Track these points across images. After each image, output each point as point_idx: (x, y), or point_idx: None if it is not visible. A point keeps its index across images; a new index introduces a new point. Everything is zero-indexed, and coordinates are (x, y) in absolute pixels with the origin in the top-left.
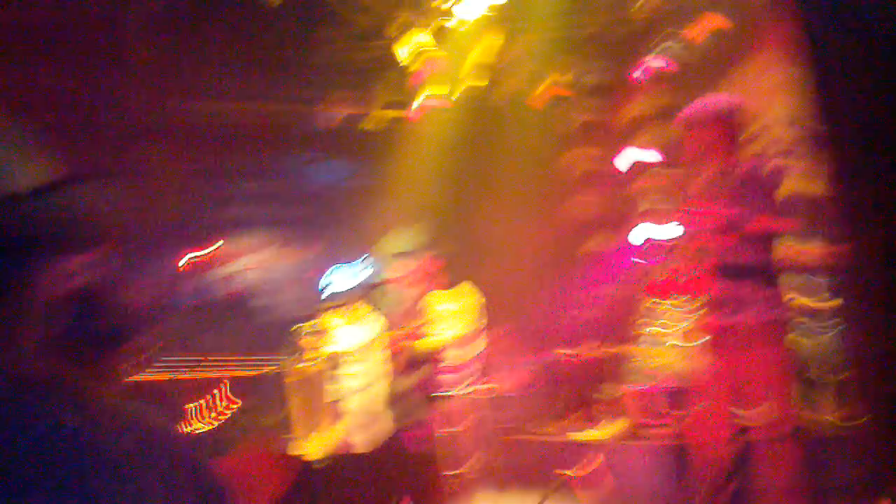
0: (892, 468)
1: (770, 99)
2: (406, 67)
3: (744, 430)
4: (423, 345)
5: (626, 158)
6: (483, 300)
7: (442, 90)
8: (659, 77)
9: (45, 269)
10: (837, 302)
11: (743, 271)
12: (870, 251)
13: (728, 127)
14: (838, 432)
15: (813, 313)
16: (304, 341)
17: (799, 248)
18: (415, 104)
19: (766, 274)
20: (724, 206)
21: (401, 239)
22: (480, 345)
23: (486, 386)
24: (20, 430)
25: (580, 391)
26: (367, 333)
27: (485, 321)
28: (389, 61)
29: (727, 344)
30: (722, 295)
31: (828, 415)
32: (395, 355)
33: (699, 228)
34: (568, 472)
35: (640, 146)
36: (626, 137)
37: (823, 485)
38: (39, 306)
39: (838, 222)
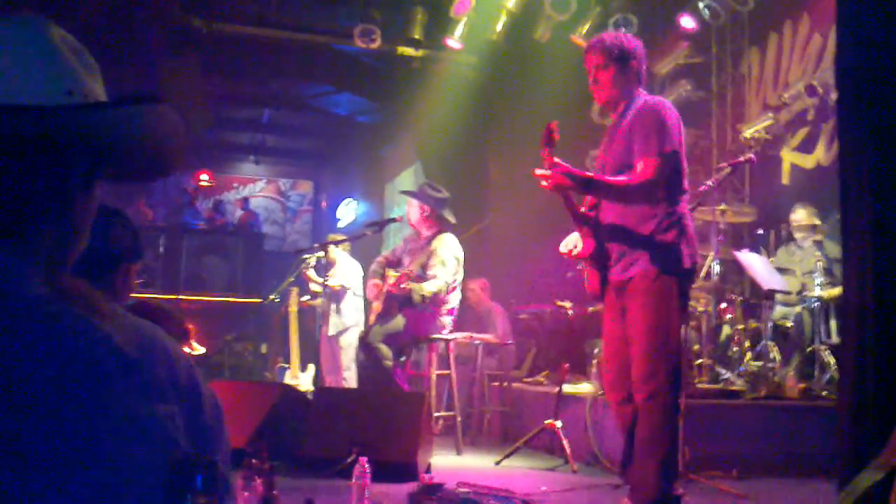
0: (851, 447)
1: (799, 65)
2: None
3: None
4: (422, 286)
5: None
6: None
7: (469, 29)
8: (689, 36)
9: (99, 185)
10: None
11: (605, 230)
12: (860, 227)
13: (616, 63)
14: (815, 402)
15: (802, 286)
16: (307, 273)
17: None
18: (449, 41)
19: (629, 233)
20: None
21: (410, 178)
22: (477, 292)
23: (480, 334)
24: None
25: (573, 344)
26: (369, 270)
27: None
28: None
29: (611, 305)
30: (593, 254)
31: (806, 383)
32: (393, 292)
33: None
34: (554, 423)
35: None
36: (650, 93)
37: (790, 450)
38: (91, 220)
39: (840, 196)
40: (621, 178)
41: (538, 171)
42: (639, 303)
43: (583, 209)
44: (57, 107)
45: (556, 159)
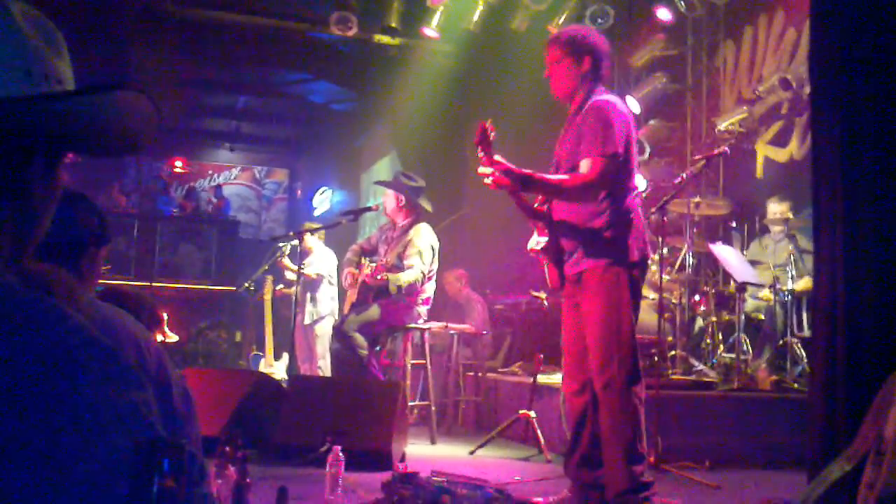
0: (822, 439)
1: (773, 59)
2: None
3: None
4: (398, 276)
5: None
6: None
7: (447, 19)
8: (665, 28)
9: (61, 168)
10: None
11: (560, 225)
12: (832, 221)
13: (569, 58)
14: (787, 394)
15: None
16: (282, 261)
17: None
18: (425, 30)
19: (582, 229)
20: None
21: (387, 167)
22: (455, 283)
23: (457, 324)
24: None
25: (548, 334)
26: (344, 259)
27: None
28: None
29: (569, 297)
30: (548, 248)
31: (778, 375)
32: (369, 283)
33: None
34: (528, 413)
35: (637, 96)
36: (625, 85)
37: (762, 441)
38: (53, 204)
39: (812, 190)
40: (560, 176)
41: (481, 170)
42: (590, 295)
43: (535, 204)
44: (13, 97)
45: (497, 157)
